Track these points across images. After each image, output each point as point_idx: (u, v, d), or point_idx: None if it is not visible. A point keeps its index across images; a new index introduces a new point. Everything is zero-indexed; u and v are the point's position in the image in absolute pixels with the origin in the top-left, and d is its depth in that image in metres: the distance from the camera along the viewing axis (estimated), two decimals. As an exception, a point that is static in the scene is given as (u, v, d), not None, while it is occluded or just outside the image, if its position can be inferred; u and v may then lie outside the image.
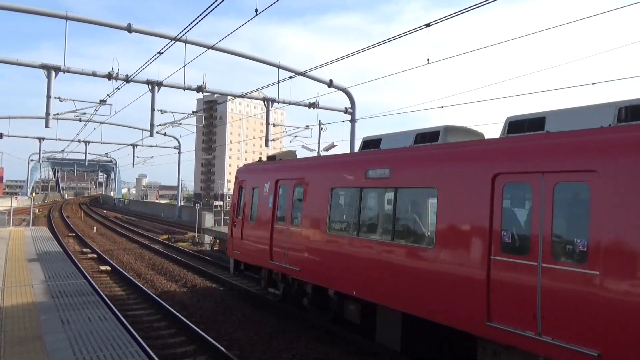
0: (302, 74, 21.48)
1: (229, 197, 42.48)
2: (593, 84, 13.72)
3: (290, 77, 20.84)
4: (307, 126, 28.63)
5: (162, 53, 16.43)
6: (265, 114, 24.89)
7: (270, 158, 12.44)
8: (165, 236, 30.69)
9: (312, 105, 24.68)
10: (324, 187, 9.42)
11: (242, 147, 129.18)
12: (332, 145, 26.36)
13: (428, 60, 13.75)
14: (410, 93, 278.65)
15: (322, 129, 27.58)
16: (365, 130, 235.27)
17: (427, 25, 12.06)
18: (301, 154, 19.85)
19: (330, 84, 23.43)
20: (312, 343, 9.43)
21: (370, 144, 9.60)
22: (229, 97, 27.14)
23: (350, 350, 9.13)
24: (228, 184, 64.75)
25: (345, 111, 25.29)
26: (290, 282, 10.80)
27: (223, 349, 8.67)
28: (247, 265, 12.76)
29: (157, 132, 31.95)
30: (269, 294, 11.86)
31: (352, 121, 25.06)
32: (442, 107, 18.44)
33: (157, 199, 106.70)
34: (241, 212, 12.48)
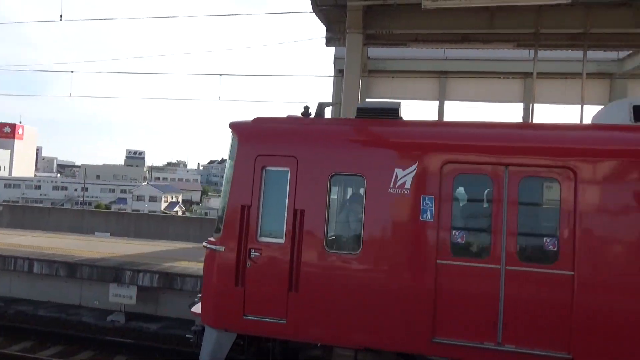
0: None
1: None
2: (220, 75, 16.64)
3: None
4: None
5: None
6: None
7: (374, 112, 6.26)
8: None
9: None
10: None
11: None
12: None
13: (61, 17, 13.72)
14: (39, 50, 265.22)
15: None
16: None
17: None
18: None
19: None
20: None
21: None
22: None
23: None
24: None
25: None
26: None
27: None
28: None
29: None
30: None
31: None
32: (72, 71, 17.49)
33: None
34: (289, 226, 5.79)
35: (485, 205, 5.48)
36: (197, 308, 6.36)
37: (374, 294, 5.40)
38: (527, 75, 12.91)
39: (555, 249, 5.15)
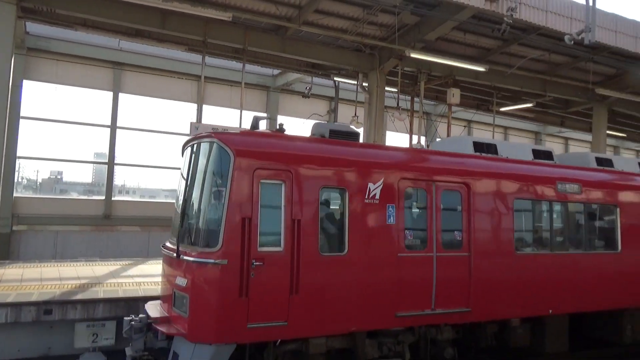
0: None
1: None
2: None
3: None
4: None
5: None
6: None
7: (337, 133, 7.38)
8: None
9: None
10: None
11: None
12: None
13: None
14: None
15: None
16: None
17: None
18: None
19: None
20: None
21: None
22: None
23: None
24: None
25: None
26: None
27: None
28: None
29: None
30: None
31: None
32: None
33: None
34: (287, 235, 6.14)
35: (423, 210, 7.23)
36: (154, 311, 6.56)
37: (358, 286, 6.44)
38: (199, 78, 13.94)
39: (460, 239, 7.36)
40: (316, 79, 16.39)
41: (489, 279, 7.42)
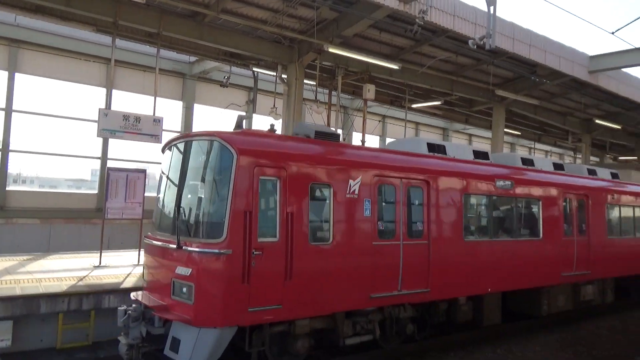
0: None
1: None
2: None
3: None
4: None
5: None
6: None
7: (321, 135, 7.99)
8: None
9: None
10: None
11: None
12: None
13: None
14: None
15: None
16: None
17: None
18: None
19: None
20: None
21: None
22: None
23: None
24: None
25: None
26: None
27: None
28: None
29: None
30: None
31: None
32: None
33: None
34: (282, 227, 6.69)
35: (392, 204, 8.01)
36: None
37: (340, 272, 7.15)
38: (108, 61, 13.11)
39: (421, 229, 8.26)
40: (235, 69, 16.15)
41: (443, 263, 8.43)
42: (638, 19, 12.73)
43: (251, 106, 18.32)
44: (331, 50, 13.07)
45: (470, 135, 29.84)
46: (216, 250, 6.15)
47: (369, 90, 15.22)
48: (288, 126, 14.25)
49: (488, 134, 23.90)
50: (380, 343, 8.04)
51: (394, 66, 14.65)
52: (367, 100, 16.16)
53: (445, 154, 9.51)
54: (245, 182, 6.35)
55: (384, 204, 8.01)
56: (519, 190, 10.04)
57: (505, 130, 21.19)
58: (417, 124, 26.49)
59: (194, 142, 7.14)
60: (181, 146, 7.33)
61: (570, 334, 10.20)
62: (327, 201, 7.20)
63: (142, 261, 8.38)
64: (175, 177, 7.25)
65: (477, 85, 18.18)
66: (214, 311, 6.14)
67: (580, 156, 28.96)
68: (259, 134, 7.26)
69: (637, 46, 15.74)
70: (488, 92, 18.25)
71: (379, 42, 14.60)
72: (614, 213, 12.68)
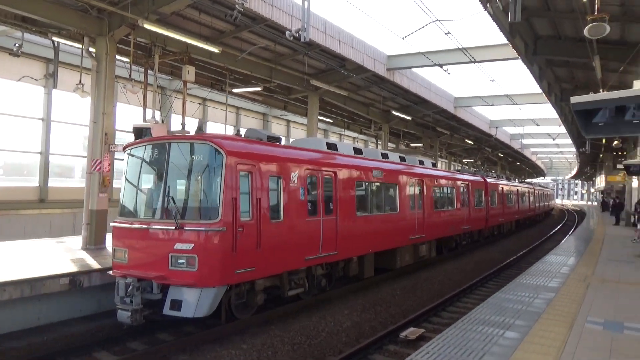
0: None
1: None
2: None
3: None
4: None
5: None
6: None
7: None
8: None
9: None
10: None
11: None
12: None
13: None
14: None
15: None
16: None
17: None
18: None
19: None
20: None
21: None
22: None
23: None
24: None
25: None
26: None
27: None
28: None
29: None
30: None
31: None
32: None
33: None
34: (254, 209, 8.88)
35: (316, 190, 10.54)
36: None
37: (287, 241, 9.46)
38: None
39: (332, 208, 10.92)
40: (30, 36, 14.04)
41: (345, 232, 11.29)
42: (421, 28, 15.07)
43: (51, 80, 16.18)
44: (147, 26, 12.34)
45: (288, 121, 31.37)
46: (215, 228, 7.96)
47: (189, 72, 14.85)
48: (97, 105, 13.05)
49: (304, 120, 25.49)
50: (301, 296, 10.58)
51: (214, 49, 14.56)
52: (186, 82, 15.72)
53: (337, 150, 12.20)
54: (232, 176, 8.25)
55: (310, 190, 10.39)
56: (387, 177, 13.53)
57: (319, 117, 22.90)
58: (237, 108, 26.77)
59: (187, 144, 8.67)
60: (175, 146, 8.66)
61: (373, 296, 11.77)
62: (279, 189, 9.38)
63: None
64: (165, 173, 8.56)
65: (294, 74, 19.22)
66: (213, 274, 7.95)
67: (380, 142, 32.97)
68: (236, 139, 9.22)
69: (422, 51, 18.61)
70: (304, 81, 19.47)
71: (199, 24, 14.34)
72: (437, 192, 17.37)
